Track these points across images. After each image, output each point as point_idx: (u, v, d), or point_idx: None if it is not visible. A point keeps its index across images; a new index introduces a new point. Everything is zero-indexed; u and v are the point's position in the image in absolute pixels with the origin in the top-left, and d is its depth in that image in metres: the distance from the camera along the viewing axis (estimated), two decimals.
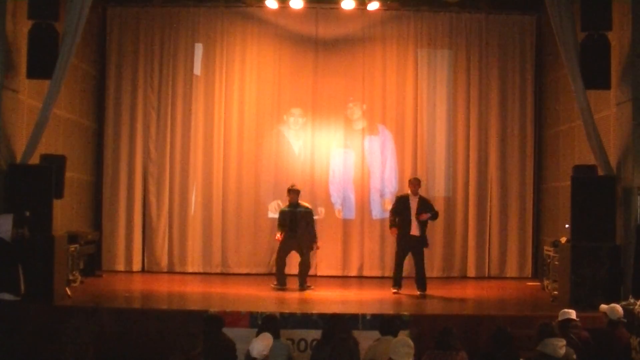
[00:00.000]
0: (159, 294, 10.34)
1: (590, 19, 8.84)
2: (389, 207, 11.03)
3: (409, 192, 10.32)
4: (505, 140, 12.55)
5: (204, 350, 6.18)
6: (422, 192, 12.35)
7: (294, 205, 10.51)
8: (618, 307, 6.95)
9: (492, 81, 12.60)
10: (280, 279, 10.41)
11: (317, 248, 10.74)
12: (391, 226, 10.32)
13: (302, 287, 10.37)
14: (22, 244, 7.24)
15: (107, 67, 12.49)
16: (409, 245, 10.19)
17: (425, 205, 10.24)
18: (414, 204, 10.15)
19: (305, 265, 10.50)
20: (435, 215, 10.39)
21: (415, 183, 10.35)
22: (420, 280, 10.14)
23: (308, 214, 10.51)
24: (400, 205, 10.25)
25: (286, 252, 10.52)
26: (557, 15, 8.98)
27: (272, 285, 10.43)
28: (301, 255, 10.49)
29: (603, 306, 7.03)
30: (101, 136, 12.48)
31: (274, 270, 12.14)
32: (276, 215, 12.27)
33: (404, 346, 5.58)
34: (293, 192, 10.56)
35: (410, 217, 10.08)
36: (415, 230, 10.11)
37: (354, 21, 12.57)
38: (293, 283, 10.46)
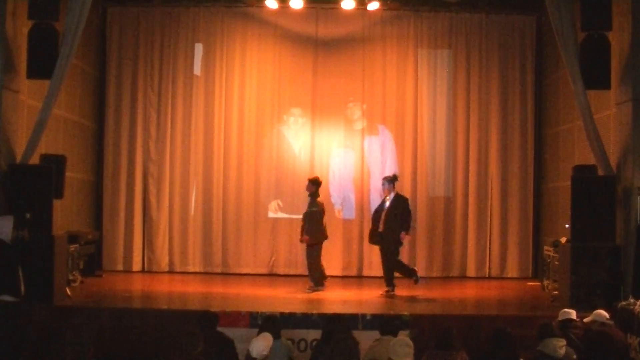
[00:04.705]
0: (159, 293, 10.33)
1: (590, 19, 8.82)
2: None
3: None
4: (505, 140, 12.53)
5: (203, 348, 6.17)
6: (422, 192, 12.46)
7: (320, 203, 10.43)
8: (601, 311, 6.98)
9: (492, 81, 12.58)
10: (321, 279, 10.33)
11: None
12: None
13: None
14: (22, 246, 7.22)
15: (107, 67, 12.49)
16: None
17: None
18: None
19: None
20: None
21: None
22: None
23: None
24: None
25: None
26: (557, 15, 8.96)
27: (309, 289, 10.20)
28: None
29: (586, 320, 7.03)
30: (101, 136, 12.48)
31: (274, 270, 12.24)
32: (276, 215, 12.39)
33: (404, 346, 5.58)
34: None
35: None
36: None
37: (354, 21, 12.56)
38: (301, 283, 10.46)
